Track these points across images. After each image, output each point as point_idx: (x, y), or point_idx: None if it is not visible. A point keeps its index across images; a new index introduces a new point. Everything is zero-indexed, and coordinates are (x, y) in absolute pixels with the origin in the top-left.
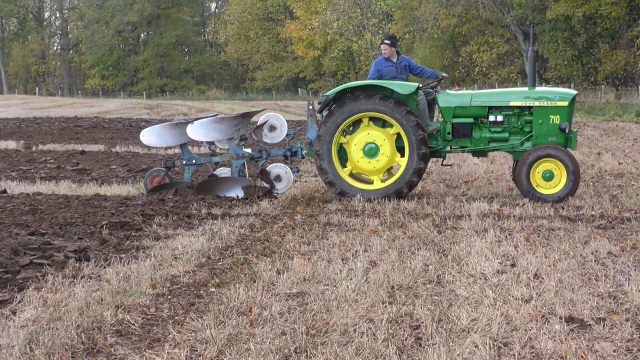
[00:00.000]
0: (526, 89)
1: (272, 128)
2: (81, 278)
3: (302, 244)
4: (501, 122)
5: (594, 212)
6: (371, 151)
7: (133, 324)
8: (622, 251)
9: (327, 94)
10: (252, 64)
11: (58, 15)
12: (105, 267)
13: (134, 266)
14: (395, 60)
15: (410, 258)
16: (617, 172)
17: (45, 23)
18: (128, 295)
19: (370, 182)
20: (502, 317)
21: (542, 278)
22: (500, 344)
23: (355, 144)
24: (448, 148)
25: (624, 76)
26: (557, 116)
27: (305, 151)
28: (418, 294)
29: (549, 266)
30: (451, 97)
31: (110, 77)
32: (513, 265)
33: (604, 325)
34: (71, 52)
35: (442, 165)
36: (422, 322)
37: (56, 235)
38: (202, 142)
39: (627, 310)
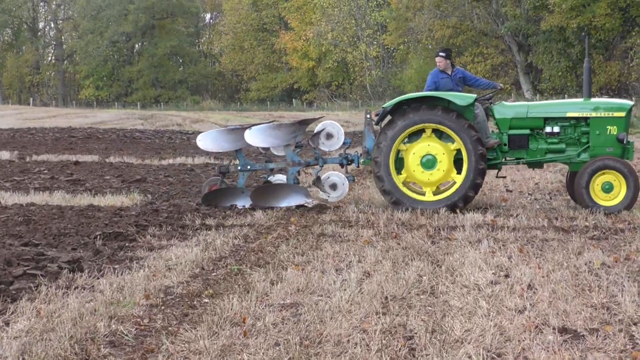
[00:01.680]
0: (582, 100)
1: (329, 136)
2: (75, 289)
3: (296, 255)
4: (557, 134)
5: (587, 223)
6: (429, 163)
7: (126, 335)
8: (616, 262)
9: (385, 105)
10: (246, 75)
11: (52, 25)
12: (98, 278)
13: (127, 277)
14: (450, 72)
15: (404, 269)
16: None
17: (39, 33)
18: (121, 306)
19: (422, 193)
20: (496, 327)
21: (536, 289)
22: (493, 355)
23: (414, 153)
24: (503, 160)
25: (617, 87)
26: (614, 127)
27: (362, 160)
28: (412, 305)
29: (543, 277)
30: (507, 108)
31: (104, 88)
32: (507, 276)
33: (597, 336)
34: (65, 62)
35: (497, 177)
36: (416, 333)
37: (50, 246)
38: (257, 147)
39: (620, 321)
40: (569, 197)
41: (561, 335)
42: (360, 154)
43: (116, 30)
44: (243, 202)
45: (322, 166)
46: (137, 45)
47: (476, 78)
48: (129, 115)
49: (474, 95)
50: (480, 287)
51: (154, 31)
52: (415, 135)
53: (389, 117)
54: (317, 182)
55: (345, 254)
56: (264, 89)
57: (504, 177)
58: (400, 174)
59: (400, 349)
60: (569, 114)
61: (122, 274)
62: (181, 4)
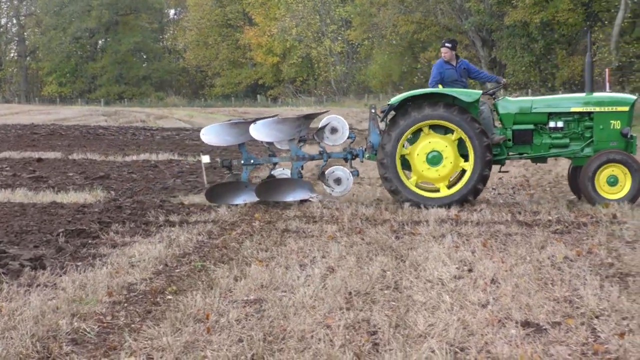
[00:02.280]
0: (585, 94)
1: (334, 130)
2: (37, 286)
3: (260, 251)
4: (561, 128)
5: (550, 217)
6: (435, 159)
7: (89, 333)
8: (578, 256)
9: (391, 102)
10: (210, 71)
11: (15, 21)
12: (61, 276)
13: (90, 274)
14: (454, 64)
15: (368, 264)
16: None
17: (1, 29)
18: (84, 303)
19: (436, 190)
20: (459, 322)
21: (499, 283)
22: (456, 349)
23: (418, 153)
24: (507, 155)
25: (581, 82)
26: (618, 121)
27: (367, 155)
28: (375, 300)
29: (506, 271)
30: (511, 103)
31: (67, 84)
32: (470, 271)
33: (559, 330)
34: (28, 58)
35: (499, 171)
36: (380, 328)
37: (11, 244)
38: (262, 142)
39: (582, 315)
40: (532, 191)
41: (524, 329)
42: (365, 149)
43: (79, 26)
44: (247, 197)
45: (327, 161)
46: (100, 42)
47: (479, 71)
48: (92, 112)
49: (480, 92)
50: (443, 281)
51: (118, 27)
52: (414, 136)
53: (396, 115)
54: (322, 176)
55: (309, 250)
56: (229, 85)
57: (507, 172)
58: (410, 178)
59: (363, 344)
60: (572, 109)
61: (84, 271)
62: (145, 0)
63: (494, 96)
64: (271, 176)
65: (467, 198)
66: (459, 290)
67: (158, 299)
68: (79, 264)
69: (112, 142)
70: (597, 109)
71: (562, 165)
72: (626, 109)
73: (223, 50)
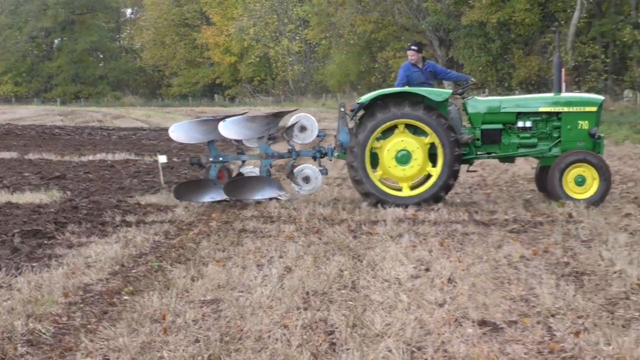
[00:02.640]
0: (554, 95)
1: (303, 129)
2: None
3: (217, 251)
4: (530, 128)
5: (507, 217)
6: (404, 158)
7: (44, 334)
8: (534, 255)
9: (361, 100)
10: (168, 70)
11: None
12: (16, 276)
13: (46, 275)
14: (421, 66)
15: (326, 264)
16: (530, 177)
17: None
18: (39, 304)
19: (398, 189)
20: (416, 321)
21: (456, 282)
22: (413, 348)
23: (388, 149)
24: (476, 154)
25: (537, 81)
26: (586, 121)
27: (336, 153)
28: (333, 300)
29: (463, 270)
30: (480, 103)
31: (23, 84)
32: (427, 270)
33: (515, 328)
34: None
35: (468, 171)
36: (337, 328)
37: None
38: (231, 140)
39: (538, 313)
40: (489, 191)
41: (480, 328)
42: (334, 147)
43: (35, 25)
44: (215, 195)
45: (295, 159)
46: (56, 41)
47: (447, 71)
48: (48, 112)
49: (449, 91)
50: (401, 281)
51: (74, 26)
52: (388, 131)
53: (364, 116)
54: (290, 174)
55: (267, 250)
56: (186, 85)
57: (475, 171)
58: (376, 171)
59: (321, 343)
60: (541, 109)
61: (40, 272)
62: None
63: (462, 96)
64: (240, 174)
65: (440, 195)
66: (416, 289)
67: (114, 300)
68: (35, 264)
69: (69, 142)
70: (565, 109)
71: (519, 165)
72: (594, 109)
73: (180, 50)
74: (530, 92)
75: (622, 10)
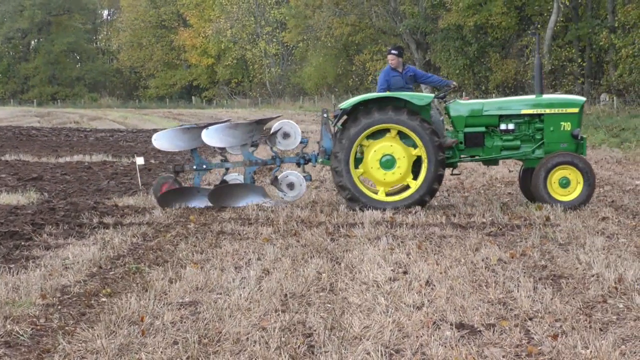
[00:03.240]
0: (536, 97)
1: (286, 135)
2: None
3: (195, 253)
4: (512, 131)
5: (484, 220)
6: (388, 163)
7: (22, 335)
8: (512, 258)
9: (342, 106)
10: (145, 72)
11: None
12: None
13: (23, 276)
14: (401, 70)
15: (304, 266)
16: (508, 180)
17: None
18: (17, 305)
19: (375, 192)
20: (394, 324)
21: (434, 285)
22: (392, 351)
23: (375, 150)
24: (459, 158)
25: (514, 85)
26: (568, 123)
27: (320, 159)
28: (311, 302)
29: (441, 273)
30: (462, 106)
31: None
32: (405, 273)
33: (493, 331)
34: None
35: (451, 174)
36: (315, 330)
37: None
38: (214, 147)
39: (516, 316)
40: (466, 194)
41: (458, 331)
42: (318, 153)
43: (11, 26)
44: (199, 203)
45: (280, 165)
46: (33, 42)
47: (428, 75)
48: (25, 113)
49: (432, 95)
50: (379, 283)
51: (51, 27)
52: (379, 133)
53: (347, 122)
54: (275, 181)
55: (245, 252)
56: (163, 86)
57: (459, 174)
58: (358, 168)
59: (299, 346)
60: (523, 111)
61: (17, 274)
62: (78, 0)
63: (444, 99)
64: (224, 181)
65: (425, 199)
66: (394, 292)
67: (92, 302)
68: (12, 266)
69: (45, 143)
70: (547, 110)
71: (496, 169)
72: (576, 110)
73: (157, 52)
74: (507, 95)
75: (599, 14)
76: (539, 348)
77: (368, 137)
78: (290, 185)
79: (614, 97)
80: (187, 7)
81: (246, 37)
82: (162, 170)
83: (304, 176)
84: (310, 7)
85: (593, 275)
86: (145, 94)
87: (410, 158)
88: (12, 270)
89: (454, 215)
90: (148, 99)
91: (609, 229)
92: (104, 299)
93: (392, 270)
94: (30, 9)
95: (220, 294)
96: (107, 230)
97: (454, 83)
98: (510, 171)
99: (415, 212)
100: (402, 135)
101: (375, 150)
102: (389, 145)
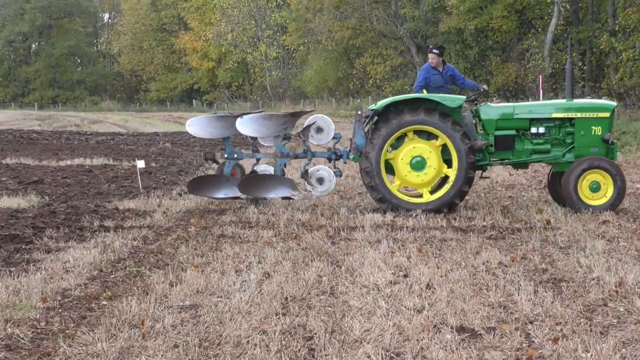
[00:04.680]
0: (567, 101)
1: (319, 130)
2: None
3: (196, 256)
4: (543, 134)
5: (485, 223)
6: (418, 164)
7: (22, 338)
8: (513, 261)
9: (374, 107)
10: (145, 75)
11: None
12: None
13: (24, 279)
14: (441, 70)
15: (304, 269)
16: (508, 184)
17: None
18: (17, 309)
19: (419, 196)
20: (395, 327)
21: (434, 288)
22: (392, 354)
23: (402, 158)
24: (489, 161)
25: (514, 88)
26: (599, 127)
27: (351, 155)
28: (311, 305)
29: (441, 276)
30: (493, 109)
31: (0, 88)
32: (406, 276)
33: (494, 335)
34: None
35: (481, 177)
36: (315, 333)
37: None
38: (246, 136)
39: (516, 320)
40: (467, 197)
41: (459, 334)
42: (350, 150)
43: (12, 29)
44: (228, 192)
45: (311, 159)
46: (34, 45)
47: (464, 78)
48: (25, 116)
49: (463, 97)
50: (379, 287)
51: (52, 31)
52: (398, 141)
53: (378, 122)
54: (305, 175)
55: (245, 255)
56: (164, 90)
57: (488, 178)
58: (393, 181)
59: (299, 349)
60: (554, 115)
61: (18, 277)
62: (79, 4)
63: (475, 102)
64: (254, 172)
65: (455, 202)
66: (394, 295)
67: (93, 305)
68: (13, 269)
69: (46, 146)
70: (578, 114)
71: (497, 172)
72: (607, 114)
73: (158, 55)
74: (507, 99)
75: (599, 17)
76: (540, 351)
77: (388, 150)
78: (320, 180)
79: (615, 101)
80: (188, 11)
81: (247, 40)
82: (163, 173)
83: (334, 172)
84: (311, 10)
85: (594, 279)
86: (146, 97)
87: (437, 151)
88: (12, 274)
89: (455, 219)
90: (149, 102)
91: (609, 233)
92: (104, 302)
93: (392, 273)
94: (31, 12)
95: (221, 297)
96: (107, 234)
97: (485, 87)
98: (510, 175)
99: (416, 216)
100: (419, 133)
101: (402, 157)
102: (411, 147)
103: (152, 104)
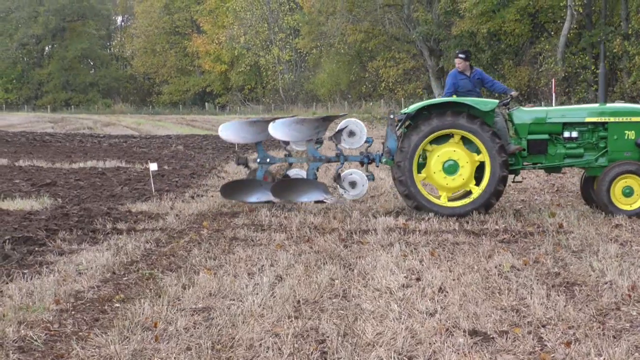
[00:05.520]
0: (600, 105)
1: (352, 134)
2: None
3: (208, 259)
4: (576, 138)
5: (497, 227)
6: (450, 168)
7: (36, 340)
8: (525, 265)
9: (407, 110)
10: (158, 78)
11: None
12: (7, 283)
13: (37, 282)
14: (469, 74)
15: (317, 272)
16: (521, 187)
17: None
18: (31, 311)
19: (467, 195)
20: (407, 330)
21: (447, 292)
22: (404, 358)
23: (439, 155)
24: (522, 165)
25: (527, 92)
26: (633, 132)
27: (384, 159)
28: (324, 309)
29: (454, 280)
30: (526, 113)
31: (14, 91)
32: (418, 279)
33: (506, 339)
34: None
35: (513, 181)
36: (328, 337)
37: None
38: (279, 140)
39: (529, 323)
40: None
41: (471, 338)
42: (382, 154)
43: (26, 32)
44: (260, 196)
45: (343, 163)
46: (47, 48)
47: (493, 81)
48: (39, 119)
49: (496, 101)
50: (391, 290)
51: (65, 34)
52: (442, 138)
53: (420, 120)
54: (337, 178)
55: (258, 258)
56: (177, 93)
57: (520, 182)
58: (420, 172)
59: (312, 352)
60: (587, 119)
61: (31, 279)
62: (92, 7)
63: (507, 106)
64: (286, 176)
65: (491, 202)
66: (407, 299)
67: (106, 307)
68: (26, 271)
69: (59, 149)
70: (612, 119)
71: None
72: None
73: (171, 58)
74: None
75: (612, 21)
76: (552, 355)
77: (432, 142)
78: (353, 184)
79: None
80: (201, 14)
81: (259, 43)
82: (176, 176)
83: (366, 175)
84: (324, 13)
85: (606, 283)
86: (158, 100)
87: (473, 164)
88: (26, 276)
89: (467, 222)
90: (161, 105)
91: (622, 236)
92: (117, 305)
93: (405, 276)
94: (44, 15)
95: (234, 300)
96: (120, 236)
97: (515, 92)
98: (523, 178)
99: (428, 219)
100: (465, 141)
101: (439, 155)
102: (452, 150)
103: (165, 107)
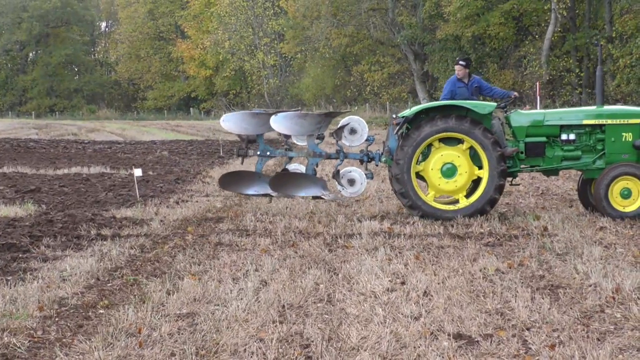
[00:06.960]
0: (597, 107)
1: (353, 131)
2: None
3: (193, 264)
4: (573, 141)
5: (482, 230)
6: (449, 171)
7: (19, 347)
8: (510, 268)
9: (404, 114)
10: (143, 84)
11: None
12: None
13: (20, 288)
14: (467, 81)
15: (301, 277)
16: (506, 191)
17: None
18: (14, 318)
19: (455, 202)
20: (392, 334)
21: (432, 295)
22: None
23: (432, 168)
24: (520, 167)
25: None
26: (630, 134)
27: (383, 158)
28: (308, 313)
29: (438, 283)
30: (523, 116)
31: None
32: (403, 283)
33: (491, 342)
34: None
35: (511, 184)
36: (312, 341)
37: None
38: (280, 134)
39: (513, 326)
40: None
41: (456, 341)
42: (382, 152)
43: (9, 38)
44: (258, 189)
45: (343, 160)
46: (31, 54)
47: (492, 87)
48: (23, 125)
49: (494, 104)
50: (376, 294)
51: (49, 39)
52: (452, 141)
53: (409, 129)
54: (336, 175)
55: (243, 263)
56: (161, 98)
57: (518, 185)
58: (428, 193)
59: (296, 357)
60: (584, 122)
61: (15, 286)
62: (76, 12)
63: (505, 109)
64: (285, 170)
65: (485, 209)
66: (391, 302)
67: (90, 313)
68: (9, 278)
69: (43, 155)
70: (609, 121)
71: None
72: (638, 121)
73: (155, 63)
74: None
75: (596, 24)
76: (537, 358)
77: (441, 140)
78: (351, 181)
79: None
80: (185, 19)
81: (244, 48)
82: (160, 181)
83: (365, 174)
84: (308, 18)
85: (591, 285)
86: (143, 106)
87: (465, 154)
88: (9, 282)
89: (452, 226)
90: (146, 111)
91: (606, 239)
92: (101, 311)
93: (389, 280)
94: (28, 21)
95: (218, 305)
96: (104, 242)
97: (515, 94)
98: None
99: (413, 223)
100: (444, 140)
101: (443, 154)
102: (456, 155)
103: (150, 113)
